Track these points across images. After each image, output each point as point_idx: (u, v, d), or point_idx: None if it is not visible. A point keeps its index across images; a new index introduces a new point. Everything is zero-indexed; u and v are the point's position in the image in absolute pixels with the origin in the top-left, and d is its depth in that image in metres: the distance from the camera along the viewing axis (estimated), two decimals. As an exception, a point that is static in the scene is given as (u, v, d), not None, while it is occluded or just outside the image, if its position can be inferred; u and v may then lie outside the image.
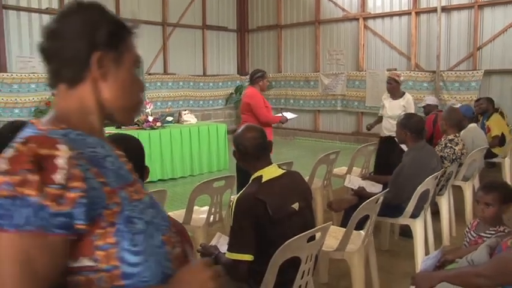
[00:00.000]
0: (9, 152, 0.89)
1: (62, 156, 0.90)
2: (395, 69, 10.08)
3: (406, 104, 5.94)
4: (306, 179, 3.35)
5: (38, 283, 0.87)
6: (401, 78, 6.10)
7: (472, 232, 2.70)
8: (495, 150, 6.38)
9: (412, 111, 5.87)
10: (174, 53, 11.55)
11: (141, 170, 1.77)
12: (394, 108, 5.98)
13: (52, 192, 0.87)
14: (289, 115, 5.77)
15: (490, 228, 2.59)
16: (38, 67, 9.09)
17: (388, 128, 6.04)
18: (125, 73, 1.09)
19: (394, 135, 5.86)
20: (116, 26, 1.07)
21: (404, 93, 6.06)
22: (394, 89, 6.00)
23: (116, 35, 1.06)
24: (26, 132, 0.97)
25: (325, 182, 4.89)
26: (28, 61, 9.07)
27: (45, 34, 1.05)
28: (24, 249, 0.85)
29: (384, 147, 5.67)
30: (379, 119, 6.38)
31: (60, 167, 0.88)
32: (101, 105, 1.07)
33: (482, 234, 2.60)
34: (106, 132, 1.19)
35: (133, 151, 1.74)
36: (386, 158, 5.53)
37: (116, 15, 1.10)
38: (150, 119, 7.18)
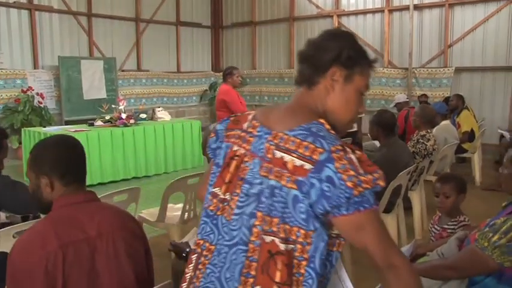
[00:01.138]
0: (353, 157, 1.19)
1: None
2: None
3: None
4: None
5: None
6: None
7: (435, 226, 2.81)
8: (465, 146, 6.52)
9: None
10: (147, 49, 11.40)
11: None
12: None
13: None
14: None
15: (452, 220, 2.70)
16: (7, 63, 8.85)
17: None
18: (350, 92, 1.35)
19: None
20: (357, 53, 1.35)
21: None
22: None
23: (353, 59, 1.33)
24: (323, 131, 1.24)
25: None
26: (-4, 57, 8.79)
27: (308, 43, 1.38)
28: (379, 217, 1.27)
29: None
30: None
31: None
32: (324, 110, 1.34)
33: (445, 226, 2.72)
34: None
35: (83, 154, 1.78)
36: None
37: (361, 46, 1.38)
38: (124, 116, 7.07)
